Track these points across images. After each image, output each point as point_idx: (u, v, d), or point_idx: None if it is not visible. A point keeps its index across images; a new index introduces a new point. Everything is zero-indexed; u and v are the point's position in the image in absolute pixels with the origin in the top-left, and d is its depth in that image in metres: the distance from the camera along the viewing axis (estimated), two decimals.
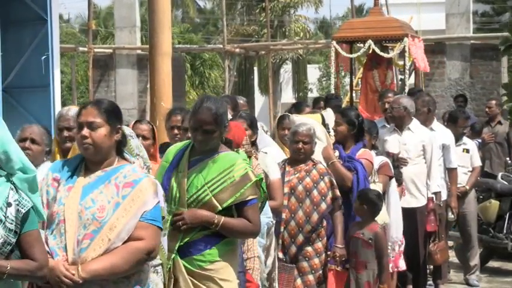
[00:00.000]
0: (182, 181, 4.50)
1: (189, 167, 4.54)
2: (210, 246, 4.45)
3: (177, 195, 4.51)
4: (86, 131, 3.84)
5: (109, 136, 3.88)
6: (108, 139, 3.87)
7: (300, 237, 6.43)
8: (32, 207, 3.48)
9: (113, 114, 3.93)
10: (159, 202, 3.86)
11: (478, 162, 9.33)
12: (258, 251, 5.49)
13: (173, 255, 4.44)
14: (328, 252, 6.48)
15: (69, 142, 5.28)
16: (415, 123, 8.24)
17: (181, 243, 4.46)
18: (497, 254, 10.17)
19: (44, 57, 9.86)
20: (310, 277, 6.44)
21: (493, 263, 10.20)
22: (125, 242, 3.72)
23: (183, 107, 6.97)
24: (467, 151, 9.17)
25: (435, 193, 8.28)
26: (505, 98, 13.19)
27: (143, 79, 17.46)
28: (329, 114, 8.34)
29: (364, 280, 6.55)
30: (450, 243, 9.60)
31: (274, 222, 5.90)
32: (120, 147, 3.97)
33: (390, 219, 7.21)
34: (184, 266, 4.44)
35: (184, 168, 4.54)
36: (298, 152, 6.54)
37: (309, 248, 6.45)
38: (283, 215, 6.41)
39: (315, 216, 6.42)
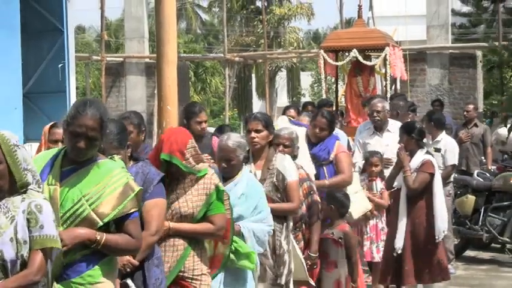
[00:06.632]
0: (54, 195, 3.58)
1: (62, 179, 3.63)
2: (91, 266, 3.61)
3: None
4: None
5: None
6: None
7: None
8: None
9: None
10: None
11: (450, 161, 8.96)
12: (256, 258, 4.91)
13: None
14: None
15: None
16: (391, 124, 8.21)
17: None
18: (473, 244, 10.22)
19: (60, 65, 9.78)
20: None
21: (469, 252, 10.22)
22: None
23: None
24: (438, 150, 8.95)
25: None
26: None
27: (151, 85, 17.44)
28: None
29: (334, 279, 6.04)
30: None
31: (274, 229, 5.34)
32: None
33: (436, 213, 6.97)
34: None
35: (56, 180, 3.63)
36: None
37: None
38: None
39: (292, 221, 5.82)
